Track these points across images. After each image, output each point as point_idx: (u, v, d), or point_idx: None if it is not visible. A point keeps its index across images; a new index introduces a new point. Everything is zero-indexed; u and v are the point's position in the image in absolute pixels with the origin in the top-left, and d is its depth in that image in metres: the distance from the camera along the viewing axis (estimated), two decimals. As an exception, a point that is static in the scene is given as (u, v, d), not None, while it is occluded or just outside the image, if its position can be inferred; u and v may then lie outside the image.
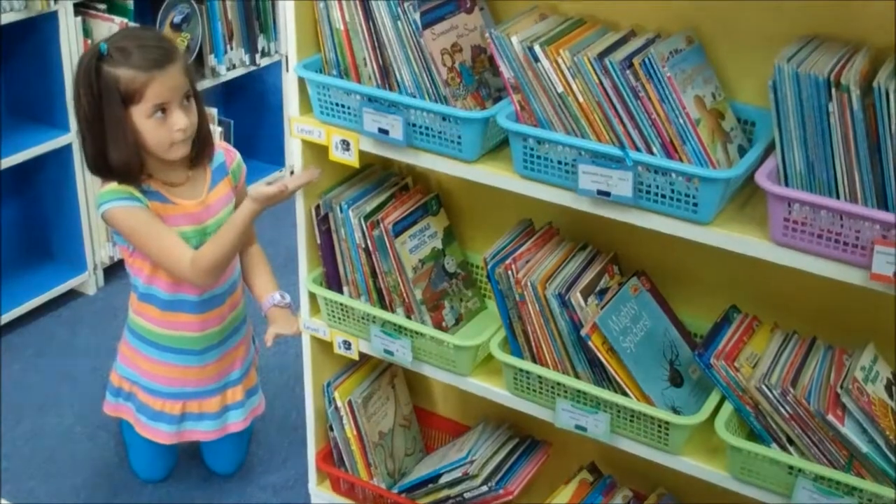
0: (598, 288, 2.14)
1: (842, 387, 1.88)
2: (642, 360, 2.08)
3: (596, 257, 2.21)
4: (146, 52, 2.23)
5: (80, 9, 3.21)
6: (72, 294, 3.55)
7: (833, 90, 1.69)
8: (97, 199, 2.37)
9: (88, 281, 3.54)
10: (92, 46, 2.26)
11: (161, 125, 2.25)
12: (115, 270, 3.62)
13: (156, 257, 2.37)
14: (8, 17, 3.01)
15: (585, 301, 2.08)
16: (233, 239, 2.33)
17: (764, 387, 1.93)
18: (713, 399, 2.04)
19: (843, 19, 1.89)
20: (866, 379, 1.91)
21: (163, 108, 2.24)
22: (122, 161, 2.27)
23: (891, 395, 1.94)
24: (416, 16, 2.03)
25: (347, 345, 2.43)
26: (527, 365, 2.17)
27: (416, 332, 2.30)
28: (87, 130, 2.28)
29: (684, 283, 2.25)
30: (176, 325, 2.50)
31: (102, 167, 2.32)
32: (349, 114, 2.18)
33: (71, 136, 3.27)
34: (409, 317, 2.32)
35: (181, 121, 2.26)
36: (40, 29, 3.15)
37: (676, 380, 2.13)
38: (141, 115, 2.23)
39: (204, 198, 2.44)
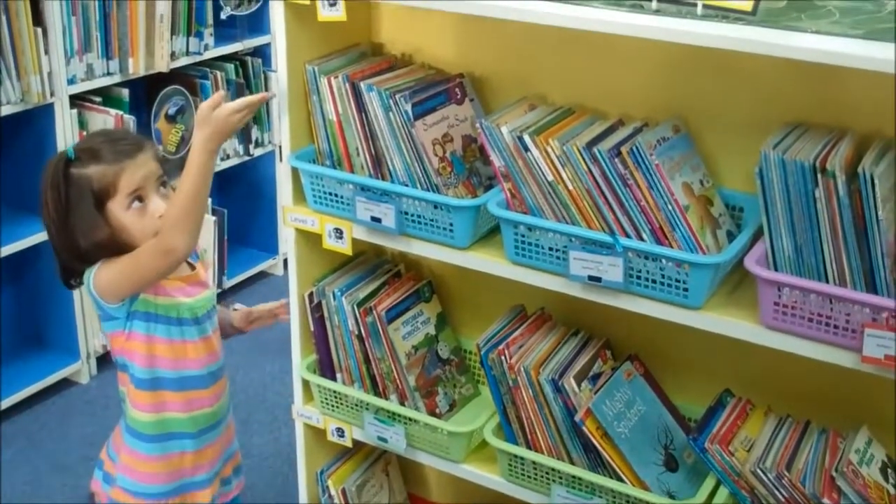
0: (591, 373, 2.15)
1: (836, 470, 1.88)
2: (637, 444, 2.08)
3: (589, 342, 2.22)
4: (114, 145, 2.18)
5: (75, 101, 3.25)
6: (65, 383, 3.54)
7: (819, 176, 1.71)
8: (86, 290, 2.24)
9: (81, 370, 3.53)
10: (57, 154, 2.20)
11: (142, 215, 2.16)
12: (108, 359, 3.61)
13: (145, 268, 2.18)
14: (5, 110, 3.04)
15: (579, 386, 2.09)
16: (194, 179, 2.14)
17: (759, 471, 1.93)
18: (709, 484, 2.04)
19: (828, 106, 1.93)
20: (861, 462, 1.91)
21: (139, 197, 2.16)
22: (93, 246, 2.17)
23: (886, 478, 1.93)
24: (408, 107, 2.06)
25: (341, 432, 2.43)
26: (521, 451, 2.17)
27: (410, 419, 2.29)
28: (56, 234, 2.19)
29: (677, 367, 2.26)
30: (192, 404, 2.32)
31: (77, 264, 2.22)
32: (342, 202, 2.21)
33: (65, 226, 3.29)
34: (402, 403, 2.32)
35: (161, 207, 2.19)
36: (37, 121, 3.19)
37: (671, 464, 2.12)
38: (119, 209, 2.15)
39: (196, 269, 2.33)
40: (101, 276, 2.17)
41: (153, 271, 2.17)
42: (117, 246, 2.16)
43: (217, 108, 2.10)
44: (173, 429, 2.26)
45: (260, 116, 3.93)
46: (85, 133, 3.27)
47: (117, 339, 2.25)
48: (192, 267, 2.25)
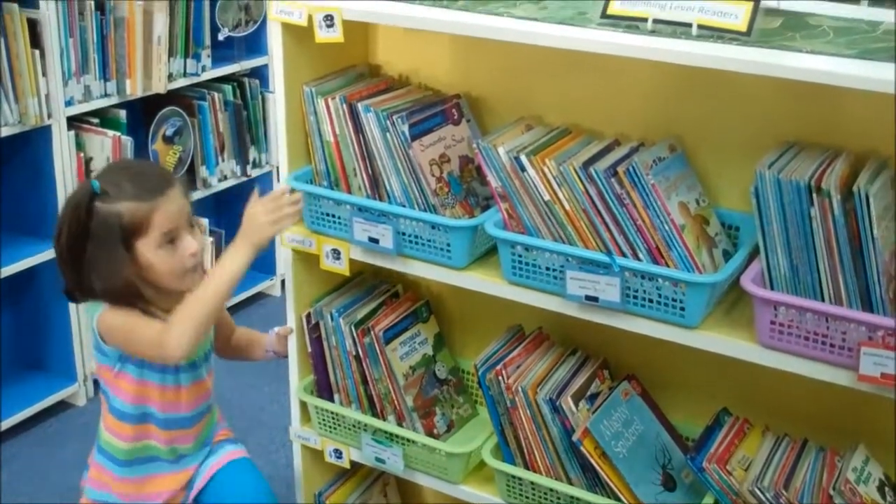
0: (589, 392, 2.15)
1: (834, 488, 1.88)
2: (635, 464, 2.08)
3: (586, 362, 2.22)
4: (144, 180, 2.10)
5: (73, 123, 3.26)
6: (61, 405, 3.53)
7: (814, 195, 1.72)
8: (90, 317, 2.17)
9: (78, 392, 3.52)
10: (81, 185, 2.11)
11: (172, 253, 2.10)
12: (105, 381, 3.61)
13: (139, 345, 2.13)
14: (3, 132, 3.04)
15: (577, 406, 2.09)
16: (216, 288, 2.11)
17: (757, 490, 1.93)
18: (707, 503, 2.04)
19: (823, 126, 1.94)
20: (858, 480, 1.91)
21: (171, 236, 2.10)
22: (106, 290, 2.11)
23: (883, 496, 1.93)
24: (405, 128, 2.07)
25: (339, 453, 2.42)
26: (519, 471, 2.16)
27: (408, 440, 2.29)
28: (66, 266, 2.13)
29: (674, 386, 2.26)
30: (175, 440, 2.30)
31: (79, 295, 2.18)
32: (340, 223, 2.21)
33: (63, 248, 3.29)
34: (400, 424, 2.32)
35: (192, 245, 2.12)
36: (34, 143, 3.19)
37: (669, 484, 2.12)
38: (150, 247, 2.07)
39: None
40: (105, 319, 2.12)
41: (142, 353, 2.15)
42: (133, 289, 2.10)
43: (252, 205, 2.10)
44: (151, 454, 2.28)
45: (257, 136, 3.94)
46: (82, 155, 3.28)
47: (104, 371, 2.22)
48: None
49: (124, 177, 2.10)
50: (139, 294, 2.13)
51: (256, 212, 2.12)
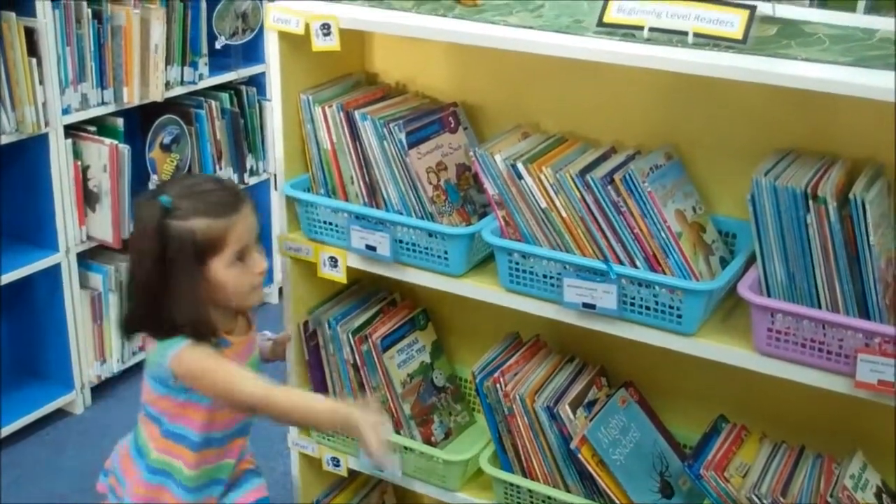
0: (586, 400, 2.15)
1: (832, 496, 1.88)
2: (632, 471, 2.08)
3: (584, 369, 2.23)
4: (216, 196, 2.01)
5: (70, 131, 3.26)
6: (59, 413, 3.53)
7: (810, 202, 1.73)
8: (158, 351, 2.04)
9: (76, 400, 3.52)
10: (149, 203, 1.99)
11: (243, 271, 2.02)
12: (102, 389, 3.60)
13: (225, 396, 2.05)
14: (0, 140, 3.05)
15: (574, 413, 2.09)
16: (301, 417, 2.08)
17: (755, 497, 1.93)
18: (704, 510, 2.04)
19: (819, 133, 1.94)
20: (856, 487, 1.91)
21: (242, 253, 2.01)
22: (188, 321, 2.01)
23: (881, 503, 1.94)
24: (402, 136, 2.08)
25: (336, 461, 2.42)
26: (517, 479, 2.16)
27: (406, 448, 2.29)
28: (146, 294, 2.01)
29: (672, 394, 2.26)
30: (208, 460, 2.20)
31: (160, 328, 2.04)
32: (337, 231, 2.21)
33: (60, 256, 3.29)
34: (398, 432, 2.32)
35: (262, 262, 2.05)
36: (31, 151, 3.19)
37: (667, 491, 2.12)
38: (222, 265, 1.99)
39: (248, 332, 2.20)
40: (184, 361, 2.02)
41: (218, 400, 2.06)
42: (209, 316, 2.03)
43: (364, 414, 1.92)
44: (214, 476, 2.20)
45: (254, 144, 3.94)
46: (79, 163, 3.28)
47: (164, 401, 2.11)
48: (250, 325, 2.17)
49: (195, 191, 2.01)
50: (214, 322, 2.05)
51: (371, 418, 1.93)
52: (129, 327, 2.12)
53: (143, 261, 1.99)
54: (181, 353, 2.01)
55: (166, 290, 1.97)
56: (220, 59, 3.77)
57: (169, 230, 1.95)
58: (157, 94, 3.44)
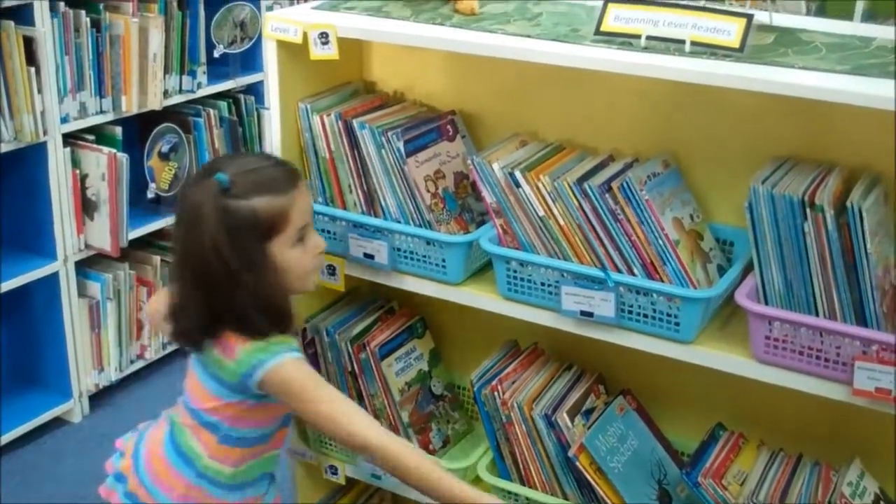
0: (584, 408, 2.15)
1: (829, 503, 1.88)
2: (630, 479, 2.08)
3: (582, 377, 2.23)
4: (273, 171, 1.87)
5: (68, 140, 3.26)
6: (57, 422, 3.53)
7: (808, 210, 1.73)
8: (243, 358, 1.85)
9: (74, 409, 3.52)
10: (202, 184, 1.81)
11: (303, 252, 1.88)
12: (100, 398, 3.60)
13: (323, 419, 1.86)
14: (-2, 149, 3.06)
15: (572, 421, 2.09)
16: (430, 489, 1.83)
17: (752, 505, 1.93)
18: (702, 518, 2.04)
19: (816, 141, 1.94)
20: (854, 495, 1.91)
21: (303, 233, 1.88)
22: (269, 312, 1.85)
23: (879, 511, 1.94)
24: (400, 144, 2.08)
25: (334, 469, 2.42)
26: (515, 487, 2.16)
27: (404, 456, 2.29)
28: (207, 288, 1.83)
29: (669, 401, 2.26)
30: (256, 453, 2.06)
31: (249, 326, 1.85)
32: (335, 239, 2.21)
33: (58, 265, 3.29)
34: (396, 440, 2.31)
35: (321, 241, 1.93)
36: (29, 160, 3.19)
37: (665, 499, 2.12)
38: (284, 246, 1.84)
39: None
40: (285, 376, 1.84)
41: (309, 419, 1.92)
42: (286, 305, 1.89)
43: None
44: (256, 474, 2.06)
45: (253, 153, 3.94)
46: (78, 171, 3.28)
47: (230, 408, 1.93)
48: None
49: (249, 167, 1.86)
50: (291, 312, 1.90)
51: None
52: (199, 332, 1.89)
53: (199, 249, 1.80)
54: (283, 367, 1.84)
55: (231, 279, 1.80)
56: (218, 68, 3.78)
57: (229, 210, 1.78)
58: (155, 103, 3.45)
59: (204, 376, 1.94)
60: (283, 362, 1.84)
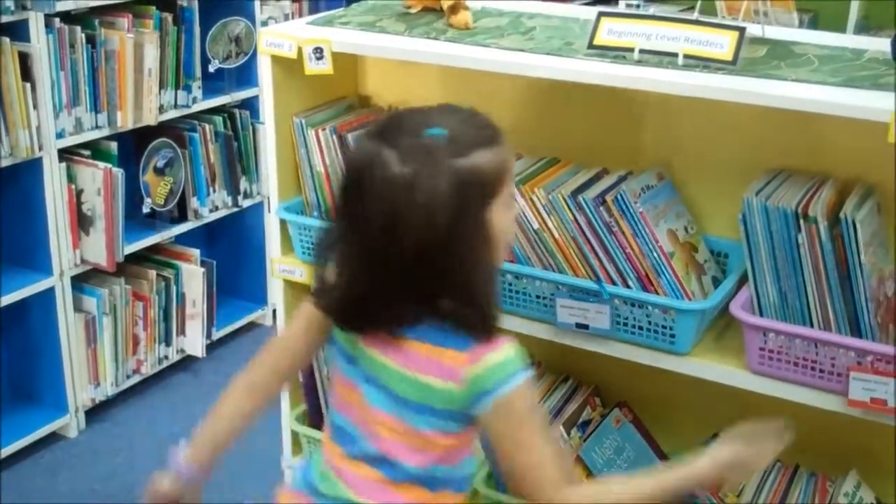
0: (580, 420, 2.15)
1: (826, 514, 1.89)
2: (627, 492, 2.08)
3: (577, 389, 2.23)
4: (483, 119, 1.54)
5: (64, 155, 3.26)
6: (53, 437, 3.52)
7: (801, 222, 1.74)
8: (497, 371, 1.50)
9: (70, 423, 3.51)
10: (421, 142, 1.45)
11: (512, 217, 1.58)
12: (96, 413, 3.60)
13: (520, 467, 1.52)
14: (-7, 164, 3.06)
15: (568, 433, 2.09)
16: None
17: (749, 516, 1.93)
18: (699, 530, 2.04)
19: (809, 153, 1.95)
20: (850, 506, 1.91)
21: (512, 192, 1.58)
22: (494, 293, 1.54)
23: (875, 522, 1.94)
24: (395, 157, 2.08)
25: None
26: (513, 500, 2.16)
27: (401, 469, 2.29)
28: (421, 272, 1.45)
29: (665, 413, 2.26)
30: None
31: (466, 320, 1.49)
32: (330, 253, 2.21)
33: (54, 280, 3.29)
34: (392, 453, 2.31)
35: (517, 206, 1.68)
36: (25, 175, 3.19)
37: (662, 511, 2.12)
38: (501, 210, 1.50)
39: None
40: (528, 395, 1.53)
41: (516, 484, 1.54)
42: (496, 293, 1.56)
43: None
44: None
45: (248, 167, 3.95)
46: (73, 187, 3.28)
47: (449, 439, 1.55)
48: None
49: (458, 117, 1.52)
50: None
51: (741, 453, 1.59)
52: (397, 322, 1.50)
53: (411, 224, 1.42)
54: (522, 389, 1.50)
55: (449, 258, 1.44)
56: (213, 83, 3.79)
57: (456, 170, 1.43)
58: (150, 118, 3.45)
59: (414, 408, 1.52)
60: (524, 381, 1.50)
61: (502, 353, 1.50)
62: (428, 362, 1.50)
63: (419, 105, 1.57)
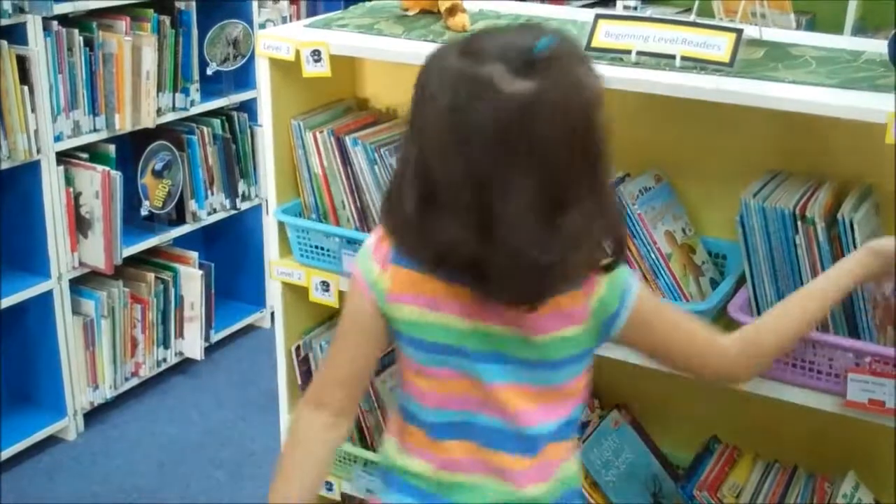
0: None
1: (824, 515, 1.89)
2: (625, 493, 2.08)
3: (576, 391, 2.23)
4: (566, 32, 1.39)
5: (62, 158, 3.26)
6: (52, 440, 3.52)
7: (799, 223, 1.74)
8: (614, 287, 1.41)
9: (69, 426, 3.51)
10: (543, 55, 1.29)
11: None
12: (95, 416, 3.60)
13: (681, 349, 1.51)
14: (-9, 168, 3.06)
15: (567, 435, 2.09)
16: (814, 315, 1.54)
17: (747, 517, 1.94)
18: (698, 531, 2.04)
19: (806, 154, 1.95)
20: (848, 507, 1.92)
21: None
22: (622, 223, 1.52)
23: (874, 523, 1.94)
24: (393, 161, 2.08)
25: (329, 486, 2.42)
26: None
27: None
28: (598, 202, 1.37)
29: (664, 414, 2.26)
30: None
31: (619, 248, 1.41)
32: (329, 256, 2.22)
33: (52, 283, 3.29)
34: (391, 456, 2.31)
35: None
36: (23, 178, 3.19)
37: (660, 513, 2.12)
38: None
39: None
40: (646, 300, 1.45)
41: (676, 361, 1.53)
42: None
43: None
44: None
45: (246, 170, 3.95)
46: (72, 190, 3.28)
47: (582, 381, 1.50)
48: None
49: (565, 35, 1.36)
50: None
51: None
52: (539, 294, 1.35)
53: (591, 149, 1.35)
54: (637, 283, 1.43)
55: (583, 186, 1.34)
56: (211, 86, 3.79)
57: (584, 85, 1.32)
58: (148, 121, 3.45)
59: (549, 362, 1.43)
60: (634, 279, 1.44)
61: (605, 271, 1.40)
62: (549, 318, 1.39)
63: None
